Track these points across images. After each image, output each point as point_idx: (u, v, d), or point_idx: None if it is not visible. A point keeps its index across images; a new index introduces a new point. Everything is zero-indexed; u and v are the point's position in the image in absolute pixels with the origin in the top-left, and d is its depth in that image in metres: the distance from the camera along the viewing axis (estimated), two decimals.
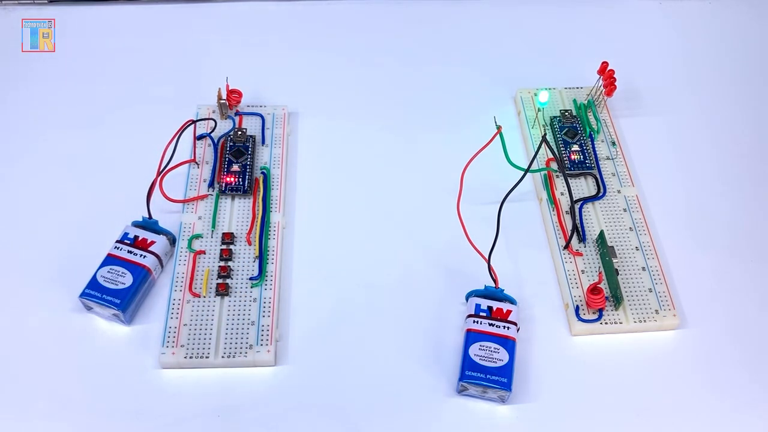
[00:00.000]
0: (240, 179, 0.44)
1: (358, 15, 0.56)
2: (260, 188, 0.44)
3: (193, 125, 0.44)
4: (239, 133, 0.46)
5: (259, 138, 0.46)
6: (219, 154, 0.45)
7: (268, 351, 0.38)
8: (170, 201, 0.42)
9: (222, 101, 0.46)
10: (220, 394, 0.37)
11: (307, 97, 0.50)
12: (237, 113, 0.47)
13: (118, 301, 0.38)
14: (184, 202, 0.43)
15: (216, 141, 0.45)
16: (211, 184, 0.44)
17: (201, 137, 0.46)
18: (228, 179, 0.43)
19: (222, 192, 0.43)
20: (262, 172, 0.45)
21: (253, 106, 0.48)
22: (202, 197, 0.43)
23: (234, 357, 0.37)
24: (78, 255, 0.41)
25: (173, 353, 0.37)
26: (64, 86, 0.50)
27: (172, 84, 0.50)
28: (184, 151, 0.44)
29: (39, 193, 0.44)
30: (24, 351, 0.38)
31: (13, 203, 0.44)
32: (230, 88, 0.47)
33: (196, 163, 0.45)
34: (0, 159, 0.46)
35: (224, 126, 0.47)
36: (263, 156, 0.46)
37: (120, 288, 0.38)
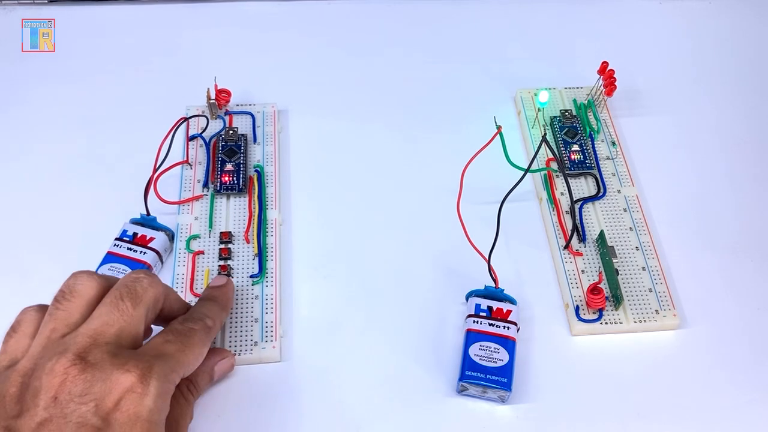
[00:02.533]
0: (234, 178, 0.44)
1: (356, 15, 0.56)
2: (255, 186, 0.44)
3: (185, 123, 0.44)
4: (230, 132, 0.46)
5: (250, 136, 0.46)
6: (212, 154, 0.45)
7: (273, 347, 0.38)
8: (165, 203, 0.42)
9: (211, 101, 0.46)
10: (225, 391, 0.37)
11: (299, 95, 0.50)
12: (227, 113, 0.47)
13: None
14: (179, 203, 0.43)
15: (208, 141, 0.45)
16: (205, 185, 0.44)
17: (193, 138, 0.46)
18: (222, 179, 0.43)
19: (217, 191, 0.43)
20: (256, 170, 0.44)
21: (242, 105, 0.48)
22: (197, 198, 0.43)
23: (240, 354, 0.38)
24: (78, 253, 0.41)
25: None
26: (64, 86, 0.50)
27: (172, 84, 0.50)
28: (176, 152, 0.43)
29: (38, 192, 0.44)
30: None
31: (13, 203, 0.44)
32: (219, 88, 0.47)
33: (189, 164, 0.45)
34: None
35: (215, 126, 0.47)
36: (256, 154, 0.46)
37: None
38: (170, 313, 0.34)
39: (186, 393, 0.33)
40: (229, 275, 0.40)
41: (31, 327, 0.30)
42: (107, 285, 0.31)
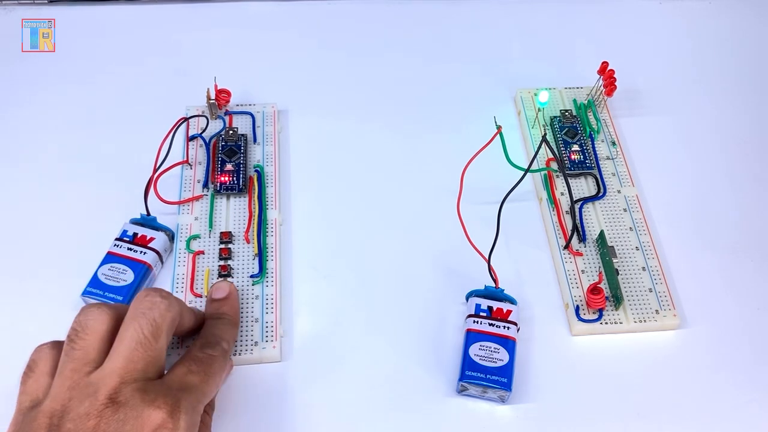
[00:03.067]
0: (234, 178, 0.44)
1: (357, 15, 0.56)
2: (255, 186, 0.44)
3: (185, 123, 0.45)
4: (230, 132, 0.46)
5: (250, 136, 0.46)
6: (212, 154, 0.45)
7: (274, 347, 0.38)
8: (165, 203, 0.42)
9: (211, 101, 0.46)
10: (225, 391, 0.37)
11: (299, 95, 0.50)
12: (227, 113, 0.47)
13: (120, 298, 0.38)
14: (179, 203, 0.43)
15: (208, 141, 0.45)
16: (205, 185, 0.44)
17: (193, 138, 0.46)
18: (222, 179, 0.43)
19: (217, 192, 0.43)
20: (256, 170, 0.44)
21: (242, 105, 0.48)
22: (197, 198, 0.43)
23: (240, 354, 0.38)
24: (78, 253, 0.41)
25: (179, 354, 0.37)
26: (64, 86, 0.50)
27: (172, 84, 0.50)
28: (176, 153, 0.43)
29: (38, 192, 0.44)
30: (26, 351, 0.38)
31: (13, 203, 0.44)
32: (219, 88, 0.47)
33: (189, 164, 0.45)
34: None
35: (215, 126, 0.47)
36: (256, 154, 0.46)
37: (122, 285, 0.39)
38: (183, 329, 0.34)
39: (205, 417, 0.33)
40: (229, 275, 0.40)
41: (47, 365, 0.30)
42: (118, 315, 0.31)
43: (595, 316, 0.40)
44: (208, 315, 0.37)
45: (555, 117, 0.48)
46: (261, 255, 0.41)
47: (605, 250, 0.41)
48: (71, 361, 0.29)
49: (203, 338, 0.34)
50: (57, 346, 0.31)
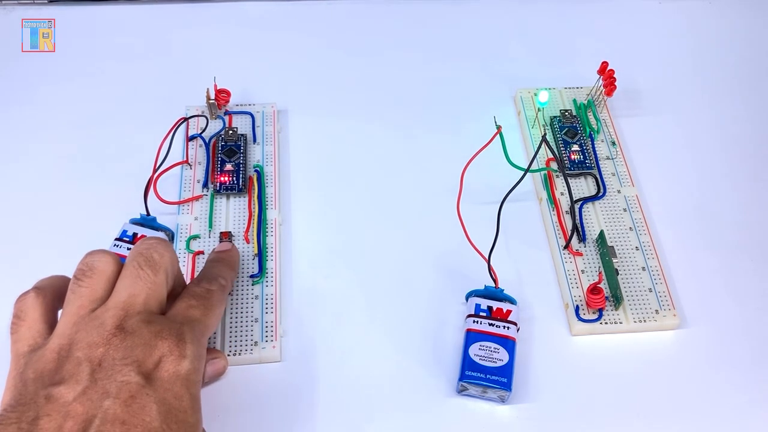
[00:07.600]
0: (234, 178, 0.44)
1: (356, 15, 0.56)
2: (255, 186, 0.44)
3: (185, 123, 0.45)
4: (230, 132, 0.46)
5: (250, 136, 0.46)
6: (211, 154, 0.45)
7: (273, 347, 0.38)
8: (165, 203, 0.42)
9: (211, 101, 0.46)
10: (225, 391, 0.37)
11: (298, 95, 0.50)
12: (226, 113, 0.47)
13: None
14: (179, 203, 0.43)
15: (207, 141, 0.45)
16: (205, 185, 0.44)
17: (192, 138, 0.46)
18: (222, 179, 0.43)
19: (217, 192, 0.43)
20: (256, 170, 0.44)
21: (242, 105, 0.48)
22: (197, 198, 0.43)
23: (240, 354, 0.38)
24: (78, 253, 0.40)
25: None
26: (64, 86, 0.50)
27: (171, 84, 0.50)
28: (176, 153, 0.44)
29: (38, 192, 0.44)
30: None
31: (12, 203, 0.44)
32: (218, 88, 0.47)
33: (189, 164, 0.45)
34: None
35: (214, 126, 0.47)
36: (255, 154, 0.46)
37: None
38: (179, 281, 0.34)
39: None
40: None
41: (37, 312, 0.31)
42: (121, 263, 0.32)
43: (595, 316, 0.40)
44: (207, 260, 0.38)
45: (555, 117, 0.48)
46: (261, 255, 0.41)
47: (605, 250, 0.41)
48: (78, 298, 0.30)
49: (201, 275, 0.35)
50: (41, 293, 0.31)
